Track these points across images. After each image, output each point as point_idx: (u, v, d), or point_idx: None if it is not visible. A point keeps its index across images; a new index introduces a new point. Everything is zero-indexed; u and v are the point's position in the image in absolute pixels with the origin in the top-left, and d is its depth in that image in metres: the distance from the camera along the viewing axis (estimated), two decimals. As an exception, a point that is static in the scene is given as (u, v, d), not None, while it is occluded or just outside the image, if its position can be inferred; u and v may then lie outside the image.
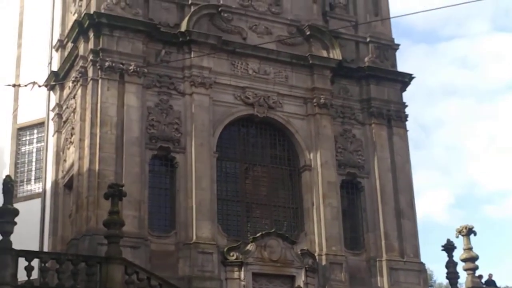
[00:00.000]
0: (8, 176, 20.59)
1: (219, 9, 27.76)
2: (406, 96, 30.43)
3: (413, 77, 30.34)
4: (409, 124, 29.83)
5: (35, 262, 19.96)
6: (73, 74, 26.47)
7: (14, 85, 26.24)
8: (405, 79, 30.26)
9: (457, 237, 27.13)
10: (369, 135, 29.00)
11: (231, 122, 27.21)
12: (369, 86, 29.47)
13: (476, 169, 74.94)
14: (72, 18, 28.08)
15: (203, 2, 27.51)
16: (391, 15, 30.94)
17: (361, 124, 29.17)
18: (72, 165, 25.65)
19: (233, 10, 28.07)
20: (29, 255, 19.79)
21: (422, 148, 71.53)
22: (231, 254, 24.91)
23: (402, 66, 31.01)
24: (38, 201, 27.90)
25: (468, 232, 26.65)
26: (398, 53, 30.89)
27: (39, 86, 24.19)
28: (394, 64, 30.56)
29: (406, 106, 30.06)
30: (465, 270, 26.64)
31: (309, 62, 28.46)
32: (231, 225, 26.37)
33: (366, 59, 29.76)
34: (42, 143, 29.10)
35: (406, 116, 29.85)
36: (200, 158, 25.57)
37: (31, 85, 23.11)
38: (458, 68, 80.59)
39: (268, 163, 27.82)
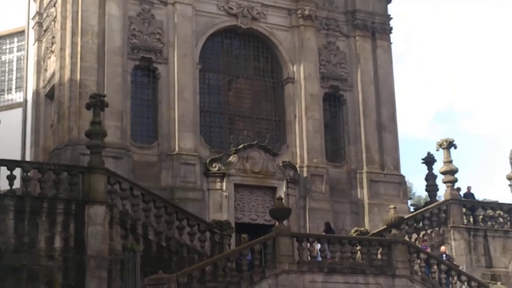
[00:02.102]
0: (-12, 85, 20.41)
1: None
2: (390, 6, 30.07)
3: (399, -11, 30.04)
4: (392, 36, 29.67)
5: (17, 172, 20.01)
6: (53, -19, 25.92)
7: (-9, -9, 25.68)
8: (391, -9, 29.92)
9: (438, 150, 27.39)
10: (353, 48, 28.85)
11: (214, 33, 26.92)
12: (354, -3, 29.15)
13: (457, 84, 75.03)
14: None
15: None
16: None
17: (345, 36, 28.97)
18: (53, 74, 25.41)
19: None
20: (11, 164, 19.81)
21: (405, 61, 71.16)
22: (214, 165, 25.07)
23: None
24: (19, 111, 27.75)
25: (449, 145, 26.88)
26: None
27: (18, -9, 23.70)
28: (380, -25, 30.14)
29: (391, 18, 29.84)
30: (445, 182, 26.99)
31: (294, -27, 28.00)
32: (213, 137, 26.46)
33: (351, -30, 29.31)
34: (23, 52, 28.73)
35: (391, 28, 29.66)
36: (183, 69, 25.40)
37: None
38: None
39: (252, 75, 27.70)
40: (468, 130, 73.28)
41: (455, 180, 26.81)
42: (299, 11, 27.81)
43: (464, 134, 69.72)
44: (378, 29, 29.21)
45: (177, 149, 24.69)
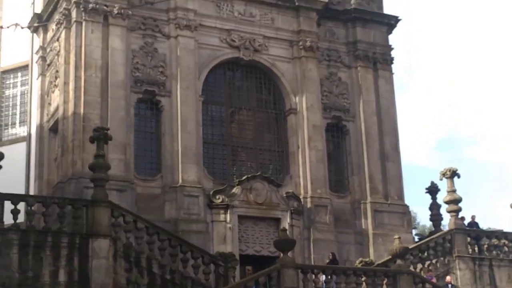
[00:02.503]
0: (-8, 120, 20.50)
1: (205, -51, 27.33)
2: (391, 37, 30.35)
3: (399, 20, 30.22)
4: (393, 66, 29.82)
5: (21, 206, 19.99)
6: (57, 16, 26.15)
7: (-4, 27, 25.89)
8: (391, 22, 30.14)
9: (441, 179, 27.34)
10: (354, 78, 28.98)
11: (216, 65, 27.08)
12: (355, 28, 29.34)
13: (459, 112, 75.21)
14: (54, -42, 27.59)
15: None
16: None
17: (347, 67, 29.12)
18: (57, 108, 25.54)
19: (219, -49, 27.66)
20: (15, 198, 19.80)
21: (406, 90, 71.44)
22: (217, 197, 25.06)
23: (387, 6, 30.85)
24: (23, 145, 27.83)
25: (452, 174, 26.82)
26: (382, -6, 30.70)
27: (22, 27, 23.92)
28: (380, 6, 30.41)
29: (392, 49, 30.00)
30: (449, 212, 26.90)
31: (295, 4, 28.23)
32: (217, 169, 26.48)
33: (352, 1, 29.58)
34: (27, 86, 28.88)
35: (392, 59, 29.81)
36: (186, 102, 25.52)
37: (14, 26, 22.80)
38: (444, 8, 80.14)
39: (254, 106, 27.81)
40: (471, 157, 73.36)
41: (459, 210, 26.73)
42: (300, 43, 27.99)
43: (467, 161, 69.78)
44: (380, 59, 29.36)
45: (180, 181, 24.71)
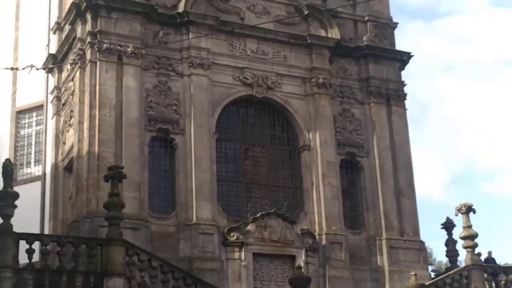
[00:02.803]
0: (7, 160, 20.61)
1: (217, -11, 27.65)
2: (404, 73, 30.42)
3: (412, 56, 30.32)
4: (406, 101, 29.85)
5: (36, 245, 20.01)
6: (71, 57, 26.43)
7: (12, 68, 26.19)
8: (404, 58, 30.24)
9: (456, 215, 27.19)
10: (368, 114, 29.00)
11: (230, 103, 27.19)
12: (367, 65, 29.43)
13: (474, 146, 74.97)
14: (69, 0, 27.96)
15: (201, -18, 27.38)
16: (389, -7, 30.87)
17: (360, 103, 29.16)
18: (71, 147, 25.67)
19: (231, -10, 27.96)
20: (30, 237, 19.84)
21: (420, 125, 71.45)
22: (232, 234, 24.99)
23: (399, 43, 31.01)
24: (38, 184, 27.94)
25: (467, 210, 26.68)
26: (395, 30, 30.81)
27: (37, 69, 24.15)
28: (392, 43, 30.52)
29: (405, 85, 30.06)
30: (465, 248, 26.70)
31: (307, 42, 28.40)
32: (231, 206, 26.43)
33: (364, 38, 29.69)
34: (41, 126, 29.09)
35: (405, 94, 29.84)
36: (200, 139, 25.59)
37: (29, 68, 23.05)
38: (456, 44, 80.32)
39: (268, 143, 27.84)
40: (487, 192, 72.87)
41: (476, 245, 26.52)
42: (313, 80, 28.10)
43: (483, 196, 69.32)
44: (393, 95, 29.40)
45: (194, 218, 24.67)
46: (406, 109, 29.75)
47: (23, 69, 23.85)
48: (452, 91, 76.87)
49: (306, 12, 28.74)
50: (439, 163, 73.88)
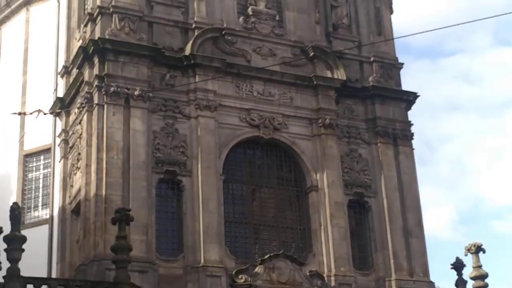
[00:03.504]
0: (15, 203, 20.63)
1: (223, 32, 27.89)
2: (410, 112, 30.46)
3: (418, 96, 30.41)
4: (413, 140, 29.81)
5: (44, 289, 19.95)
6: (79, 100, 26.59)
7: (20, 113, 26.39)
8: (410, 98, 30.31)
9: (466, 255, 27.00)
10: (375, 154, 28.98)
11: (237, 144, 27.23)
12: (374, 105, 29.50)
13: (481, 184, 74.66)
14: (77, 44, 28.27)
15: (207, 25, 27.65)
16: (394, 33, 31.08)
17: (367, 143, 29.16)
18: (79, 190, 25.68)
19: (237, 33, 28.19)
20: (37, 281, 19.79)
21: (427, 164, 71.31)
22: (240, 277, 24.84)
23: (405, 82, 31.07)
24: (45, 227, 27.93)
25: (477, 249, 26.51)
26: (400, 70, 30.94)
27: (45, 113, 24.33)
28: (398, 83, 30.61)
29: (412, 124, 30.07)
30: (475, 288, 26.52)
31: (313, 83, 28.53)
32: (239, 248, 26.30)
33: (370, 78, 29.81)
34: (49, 169, 29.16)
35: (412, 134, 29.84)
36: (207, 181, 25.58)
37: (37, 113, 23.20)
38: (461, 83, 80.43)
39: (275, 184, 27.79)
40: (496, 231, 72.33)
41: (486, 285, 26.28)
42: (320, 120, 28.16)
43: (492, 235, 68.80)
44: (400, 135, 29.41)
45: (202, 261, 24.54)
46: (413, 149, 29.73)
47: (31, 114, 24.02)
48: (459, 129, 76.87)
49: (312, 54, 28.91)
50: (446, 201, 73.54)
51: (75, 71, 27.57)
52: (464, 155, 74.72)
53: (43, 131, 29.11)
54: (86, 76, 26.15)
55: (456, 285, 29.57)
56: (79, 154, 26.28)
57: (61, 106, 28.11)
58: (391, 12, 32.02)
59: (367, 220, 28.43)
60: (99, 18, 26.50)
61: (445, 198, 73.90)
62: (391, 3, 32.04)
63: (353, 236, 27.77)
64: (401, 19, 65.41)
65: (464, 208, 76.72)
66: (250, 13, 28.79)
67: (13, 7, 33.43)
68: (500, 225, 73.23)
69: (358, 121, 29.39)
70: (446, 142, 77.88)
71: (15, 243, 19.54)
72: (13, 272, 19.38)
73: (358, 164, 28.73)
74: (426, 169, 69.49)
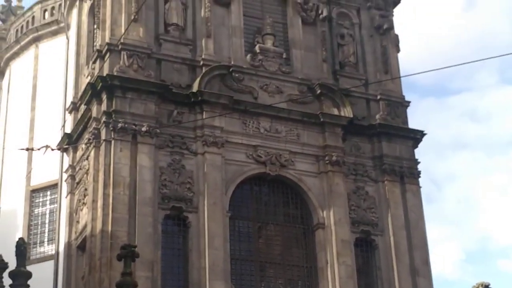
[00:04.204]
0: (21, 239, 20.68)
1: (230, 69, 28.05)
2: (417, 150, 30.42)
3: (425, 134, 30.40)
4: (420, 178, 29.74)
5: (48, 325, 19.85)
6: (86, 136, 26.70)
7: (27, 149, 26.43)
8: (417, 136, 30.30)
9: (474, 294, 26.78)
10: (382, 192, 28.89)
11: (243, 181, 27.21)
12: (380, 143, 29.49)
13: (488, 222, 74.28)
14: (85, 80, 28.47)
15: (214, 63, 27.83)
16: (401, 72, 31.19)
17: (374, 181, 29.09)
18: (85, 226, 25.65)
19: (244, 70, 28.34)
20: (41, 318, 19.69)
21: (434, 202, 71.05)
22: (245, 314, 24.65)
23: (411, 120, 31.07)
24: (51, 263, 27.85)
25: (485, 289, 26.33)
26: (407, 108, 30.99)
27: (52, 149, 24.43)
28: (405, 121, 30.62)
29: (419, 162, 30.00)
30: (483, 328, 26.25)
31: (320, 120, 28.58)
32: (245, 285, 26.14)
33: (377, 116, 29.84)
34: (55, 205, 29.18)
35: (419, 172, 29.77)
36: (213, 218, 25.52)
37: (44, 148, 23.28)
38: (468, 121, 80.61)
39: (281, 221, 27.70)
40: (503, 270, 71.72)
41: (495, 325, 26.07)
42: (326, 158, 28.14)
43: (500, 274, 68.20)
44: (406, 173, 29.34)
45: (208, 298, 24.39)
46: (420, 187, 29.64)
47: (38, 149, 24.10)
48: (466, 167, 76.71)
49: (318, 91, 29.00)
50: (453, 240, 73.12)
51: (83, 107, 27.73)
52: (471, 193, 74.47)
53: (50, 166, 29.19)
54: (94, 112, 26.29)
55: (464, 325, 29.32)
56: (85, 189, 26.30)
57: (69, 142, 28.21)
58: (398, 50, 32.14)
59: (374, 258, 28.24)
60: (107, 55, 26.73)
61: (452, 236, 73.48)
62: (397, 42, 32.17)
63: (360, 274, 27.57)
64: (408, 58, 65.79)
65: (471, 246, 76.20)
66: (258, 51, 28.98)
67: (22, 43, 33.83)
68: (507, 264, 72.72)
69: (365, 159, 29.35)
70: (453, 180, 77.68)
71: (20, 279, 19.54)
72: (17, 308, 19.32)
73: (365, 202, 28.63)
74: (433, 207, 69.25)
